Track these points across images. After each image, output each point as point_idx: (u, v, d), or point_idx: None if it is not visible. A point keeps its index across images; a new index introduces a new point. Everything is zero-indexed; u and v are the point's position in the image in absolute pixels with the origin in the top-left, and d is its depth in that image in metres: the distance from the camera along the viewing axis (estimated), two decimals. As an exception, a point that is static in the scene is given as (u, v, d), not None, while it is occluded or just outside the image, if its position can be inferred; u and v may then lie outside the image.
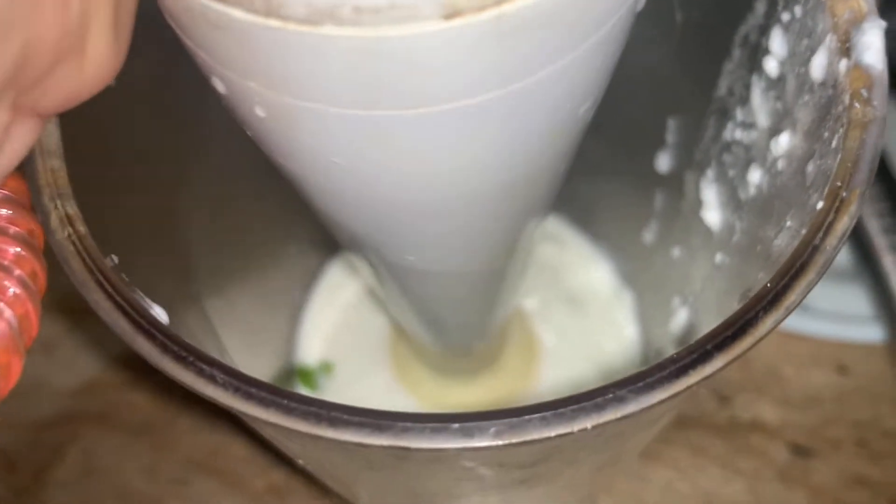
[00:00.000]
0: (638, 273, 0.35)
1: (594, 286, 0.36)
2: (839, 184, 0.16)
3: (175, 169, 0.23)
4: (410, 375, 0.33)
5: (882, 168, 0.34)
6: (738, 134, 0.23)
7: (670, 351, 0.16)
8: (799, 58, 0.19)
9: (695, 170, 0.26)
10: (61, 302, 0.36)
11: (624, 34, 0.15)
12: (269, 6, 0.12)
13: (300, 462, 0.24)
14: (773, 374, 0.34)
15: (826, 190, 0.16)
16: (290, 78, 0.13)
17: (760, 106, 0.21)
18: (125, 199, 0.20)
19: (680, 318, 0.28)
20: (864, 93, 0.16)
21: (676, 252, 0.29)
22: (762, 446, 0.33)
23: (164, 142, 0.22)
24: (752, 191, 0.22)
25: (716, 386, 0.34)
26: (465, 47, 0.12)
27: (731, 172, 0.23)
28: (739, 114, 0.23)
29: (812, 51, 0.18)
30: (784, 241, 0.18)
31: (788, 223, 0.18)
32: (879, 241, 0.33)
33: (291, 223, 0.29)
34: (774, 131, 0.20)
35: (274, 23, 0.12)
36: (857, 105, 0.16)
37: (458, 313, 0.25)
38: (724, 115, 0.24)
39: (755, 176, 0.22)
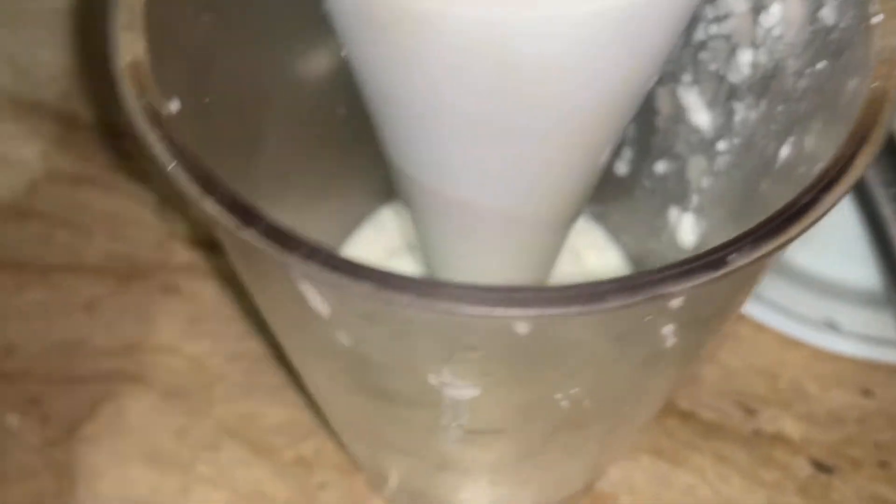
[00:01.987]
0: (619, 210, 0.33)
1: (581, 243, 0.35)
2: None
3: (259, 91, 0.24)
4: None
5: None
6: (713, 29, 0.23)
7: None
8: None
9: (667, 83, 0.26)
10: (104, 266, 0.37)
11: None
12: None
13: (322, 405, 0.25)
14: (799, 391, 0.35)
15: None
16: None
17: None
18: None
19: (686, 225, 0.28)
20: None
21: (660, 167, 0.28)
22: (785, 460, 0.33)
23: (252, 64, 0.23)
24: (745, 70, 0.22)
25: (742, 399, 0.34)
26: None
27: (713, 66, 0.24)
28: (709, 11, 0.23)
29: None
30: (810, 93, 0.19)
31: (816, 67, 0.19)
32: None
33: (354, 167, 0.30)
34: (758, 9, 0.21)
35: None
36: None
37: (500, 269, 0.25)
38: (692, 19, 0.24)
39: (745, 56, 0.22)
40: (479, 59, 0.16)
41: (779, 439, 0.34)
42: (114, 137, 0.41)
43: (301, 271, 0.15)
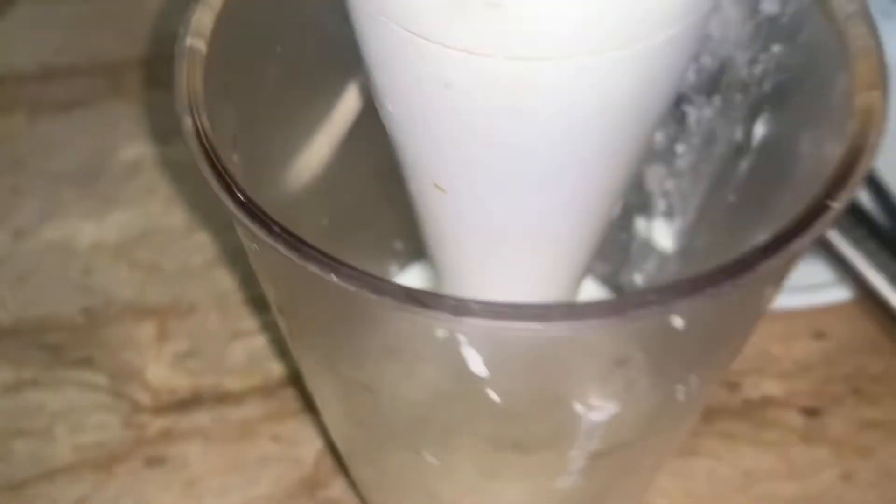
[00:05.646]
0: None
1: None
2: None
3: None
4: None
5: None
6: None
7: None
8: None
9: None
10: (77, 463, 0.35)
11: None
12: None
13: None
14: (766, 355, 0.38)
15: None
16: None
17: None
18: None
19: (660, 230, 0.30)
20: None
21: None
22: (778, 417, 0.36)
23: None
24: (690, 77, 0.25)
25: (724, 376, 0.37)
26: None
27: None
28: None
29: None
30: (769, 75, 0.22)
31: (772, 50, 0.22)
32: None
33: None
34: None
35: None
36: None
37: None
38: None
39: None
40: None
41: (767, 402, 0.37)
42: (38, 334, 0.39)
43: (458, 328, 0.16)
